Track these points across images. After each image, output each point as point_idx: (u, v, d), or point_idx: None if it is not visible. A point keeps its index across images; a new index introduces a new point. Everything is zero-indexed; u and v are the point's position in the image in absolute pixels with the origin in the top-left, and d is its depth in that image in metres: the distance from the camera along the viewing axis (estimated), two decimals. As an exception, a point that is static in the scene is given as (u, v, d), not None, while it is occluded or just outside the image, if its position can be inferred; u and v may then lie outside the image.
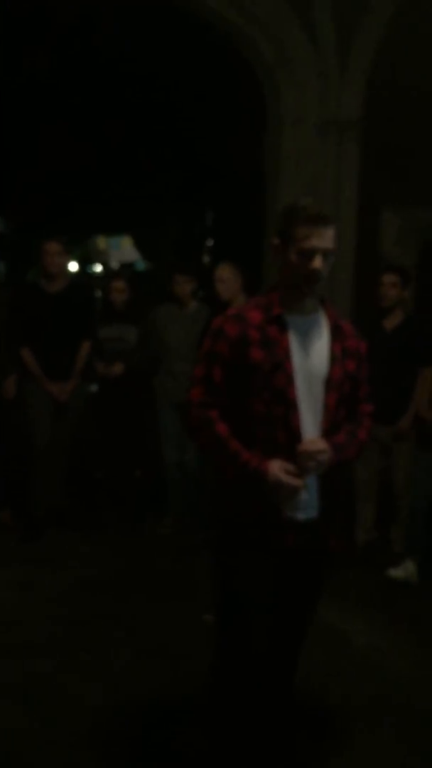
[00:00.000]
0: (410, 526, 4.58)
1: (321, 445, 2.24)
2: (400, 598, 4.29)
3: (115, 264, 8.32)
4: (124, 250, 8.45)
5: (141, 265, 8.61)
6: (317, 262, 2.24)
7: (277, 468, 2.21)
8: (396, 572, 4.44)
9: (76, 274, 12.75)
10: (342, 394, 2.35)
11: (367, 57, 6.88)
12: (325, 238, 2.24)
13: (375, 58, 6.85)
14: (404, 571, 4.44)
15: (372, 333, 4.57)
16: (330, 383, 2.32)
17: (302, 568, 2.41)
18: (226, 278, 4.61)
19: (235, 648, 2.38)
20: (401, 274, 4.68)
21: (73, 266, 13.02)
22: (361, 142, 7.10)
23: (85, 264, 10.61)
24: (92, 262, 8.86)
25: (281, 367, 2.26)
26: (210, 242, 17.78)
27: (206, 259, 17.42)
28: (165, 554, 4.74)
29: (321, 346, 2.34)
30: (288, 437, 2.27)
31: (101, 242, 8.57)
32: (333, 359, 2.33)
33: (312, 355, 2.32)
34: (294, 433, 2.27)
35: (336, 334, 2.37)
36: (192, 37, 8.36)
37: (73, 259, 11.78)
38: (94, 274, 8.61)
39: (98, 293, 5.86)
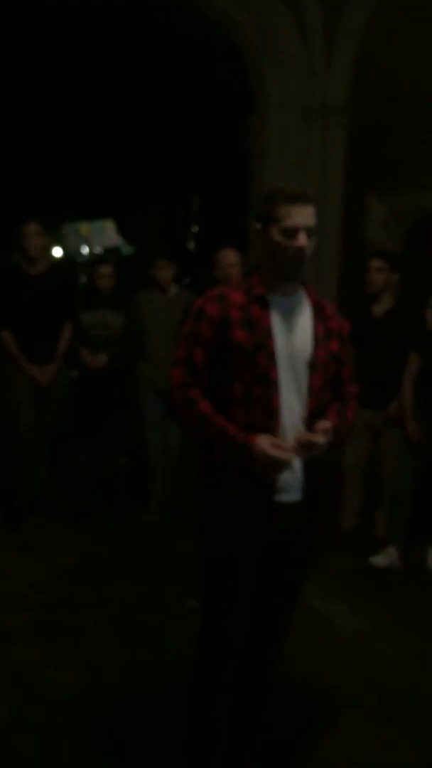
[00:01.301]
0: (392, 512, 4.58)
1: (321, 437, 2.21)
2: (383, 583, 4.30)
3: (98, 249, 8.24)
4: (106, 234, 8.36)
5: (127, 249, 8.53)
6: (302, 239, 2.23)
7: (265, 442, 2.18)
8: (378, 559, 4.44)
9: (61, 260, 12.64)
10: (327, 376, 2.34)
11: (353, 43, 6.86)
12: (306, 216, 2.24)
13: (361, 44, 6.83)
14: (386, 557, 4.45)
15: (361, 318, 4.58)
16: (314, 365, 2.30)
17: (287, 551, 2.40)
18: (236, 262, 4.52)
19: (219, 632, 2.37)
20: (388, 259, 4.66)
21: (57, 252, 12.91)
22: (347, 127, 7.08)
23: (69, 250, 10.53)
24: (76, 247, 8.79)
25: (263, 347, 2.24)
26: (195, 228, 17.71)
27: (191, 245, 17.36)
28: (148, 541, 4.73)
29: (304, 327, 2.33)
30: (267, 419, 2.25)
31: (84, 228, 8.48)
32: (316, 340, 2.32)
33: (295, 335, 2.30)
34: (274, 415, 2.25)
35: (318, 314, 2.36)
36: (178, 22, 8.28)
37: (57, 244, 11.69)
38: (80, 258, 8.52)
39: (82, 278, 5.79)
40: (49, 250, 5.24)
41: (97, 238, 8.47)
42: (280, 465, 2.20)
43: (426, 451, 4.46)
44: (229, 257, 4.52)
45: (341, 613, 3.88)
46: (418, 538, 4.62)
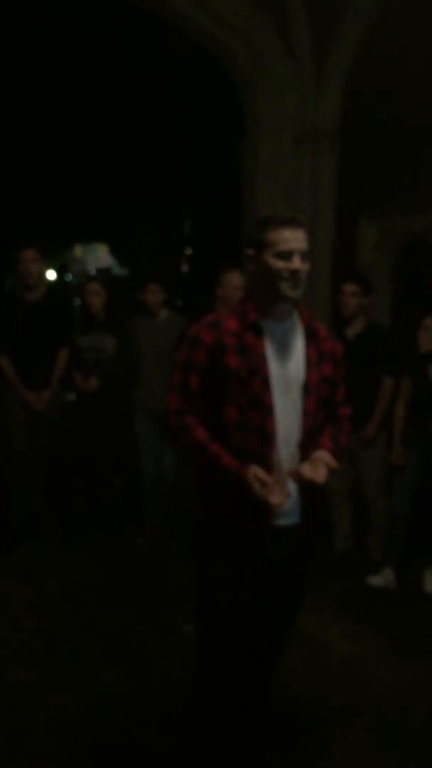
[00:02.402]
0: (389, 534, 4.59)
1: (322, 475, 2.23)
2: (378, 606, 4.29)
3: (91, 269, 8.35)
4: (99, 256, 8.49)
5: (117, 270, 8.65)
6: (297, 262, 2.26)
7: (256, 485, 2.19)
8: (375, 580, 4.44)
9: (53, 282, 12.72)
10: (320, 398, 2.38)
11: (344, 68, 6.96)
12: (298, 240, 2.29)
13: (351, 68, 6.93)
14: (383, 579, 4.45)
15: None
16: (308, 388, 2.33)
17: (283, 574, 2.42)
18: (240, 285, 4.52)
19: (217, 656, 2.38)
20: (361, 283, 4.70)
21: (50, 275, 13.00)
22: (338, 152, 7.17)
23: (62, 273, 10.64)
24: (69, 270, 8.91)
25: (257, 372, 2.27)
26: (188, 251, 17.83)
27: (185, 267, 17.46)
28: (143, 565, 4.72)
29: (297, 351, 2.36)
30: (263, 443, 2.27)
31: (78, 250, 8.61)
32: (309, 364, 2.35)
33: (288, 360, 2.33)
34: (269, 439, 2.28)
35: (311, 337, 2.39)
36: (170, 49, 8.40)
37: (51, 267, 11.78)
38: (72, 281, 8.63)
39: (77, 301, 5.83)
40: (44, 275, 5.28)
41: (90, 260, 8.59)
42: (272, 504, 2.20)
43: (419, 474, 4.49)
44: (234, 279, 4.52)
45: (336, 636, 3.88)
46: (415, 560, 4.61)
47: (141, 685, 3.29)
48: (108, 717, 3.07)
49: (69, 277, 8.71)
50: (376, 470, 4.70)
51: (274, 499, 2.19)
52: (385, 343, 4.68)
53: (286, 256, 2.27)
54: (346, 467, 4.72)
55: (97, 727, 3.00)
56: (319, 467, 2.24)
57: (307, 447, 2.32)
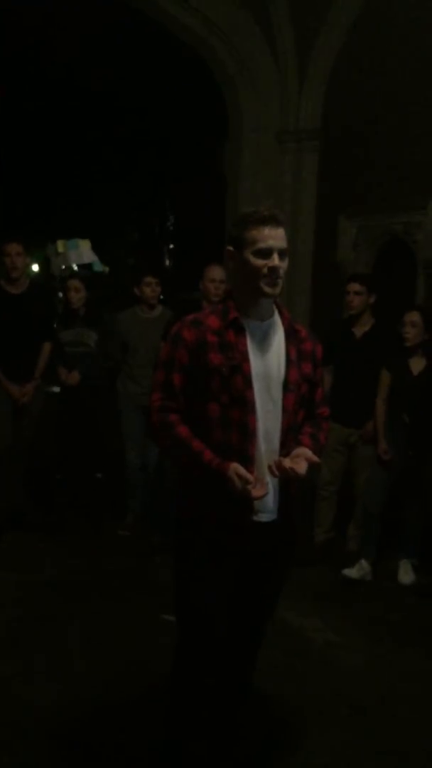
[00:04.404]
0: (365, 527, 4.69)
1: (303, 467, 2.27)
2: (354, 596, 4.39)
3: (73, 265, 8.40)
4: (82, 252, 8.52)
5: (98, 266, 8.70)
6: (276, 260, 2.29)
7: (237, 482, 2.23)
8: (350, 572, 4.54)
9: (37, 275, 12.70)
10: (300, 396, 2.41)
11: (326, 69, 7.04)
12: (278, 238, 2.30)
13: (333, 69, 7.00)
14: (359, 570, 4.55)
15: (342, 340, 4.71)
16: (288, 386, 2.36)
17: (262, 568, 2.47)
18: (221, 278, 4.61)
19: (195, 647, 2.43)
20: (365, 282, 4.78)
21: (34, 267, 12.98)
22: (319, 151, 7.25)
23: (46, 267, 10.65)
24: (51, 265, 8.95)
25: (239, 370, 2.30)
26: (170, 246, 17.85)
27: (168, 262, 17.48)
28: (124, 556, 4.77)
29: (278, 350, 2.39)
30: (244, 440, 2.31)
31: (60, 245, 8.64)
32: (289, 362, 2.38)
33: (269, 358, 2.36)
34: (250, 436, 2.31)
35: (291, 337, 2.42)
36: (153, 47, 8.43)
37: (35, 262, 11.77)
38: (55, 275, 8.68)
39: (60, 295, 5.89)
40: (29, 269, 5.33)
41: (72, 255, 8.62)
42: (254, 497, 2.25)
43: (397, 467, 4.59)
44: (217, 273, 4.63)
45: (314, 626, 3.96)
46: (390, 551, 4.71)
47: (119, 675, 3.33)
48: (85, 708, 3.10)
49: (52, 270, 8.76)
50: (370, 465, 4.79)
51: (255, 492, 2.23)
52: (389, 341, 4.69)
53: (265, 253, 2.28)
54: (340, 459, 4.81)
55: (73, 718, 3.03)
56: (300, 461, 2.28)
57: (287, 444, 2.36)
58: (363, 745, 2.97)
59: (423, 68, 5.82)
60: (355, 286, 4.73)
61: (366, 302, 4.72)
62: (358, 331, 4.77)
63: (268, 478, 2.32)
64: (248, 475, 2.24)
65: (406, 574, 4.59)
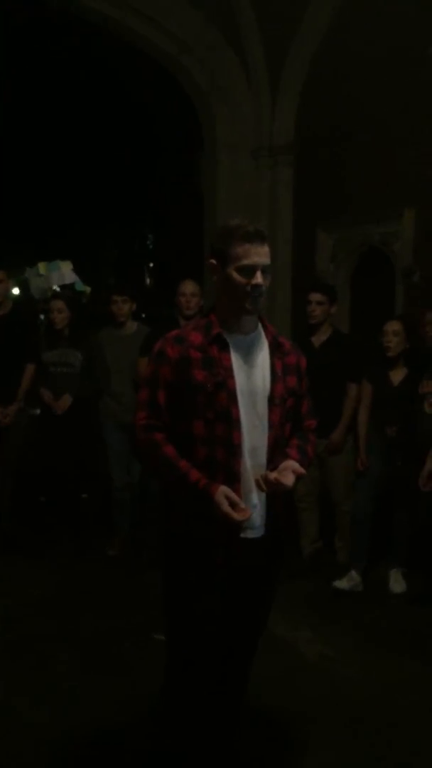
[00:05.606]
0: (353, 537, 4.69)
1: (290, 479, 2.26)
2: (346, 607, 4.38)
3: (55, 286, 8.41)
4: (63, 273, 8.54)
5: (80, 286, 8.73)
6: (258, 278, 2.28)
7: (224, 503, 2.22)
8: (341, 583, 4.53)
9: (19, 298, 12.65)
10: (285, 410, 2.40)
11: (298, 83, 7.13)
12: (262, 255, 2.29)
13: (305, 83, 7.09)
14: (349, 581, 4.54)
15: (302, 350, 4.72)
16: (273, 400, 2.35)
17: (251, 583, 2.45)
18: (195, 292, 4.71)
19: (186, 664, 2.41)
20: (327, 292, 4.80)
21: (15, 291, 12.94)
22: (294, 165, 7.32)
23: (26, 289, 10.66)
24: (30, 287, 8.96)
25: (224, 386, 2.29)
26: (150, 264, 17.90)
27: (148, 280, 17.53)
28: (113, 574, 4.75)
29: (262, 364, 2.38)
30: (229, 456, 2.30)
31: (41, 267, 8.65)
32: (274, 376, 2.37)
33: (254, 373, 2.35)
34: (235, 452, 2.30)
35: (275, 350, 2.41)
36: (128, 65, 8.49)
37: (15, 285, 11.73)
38: (36, 297, 8.68)
39: (42, 317, 5.89)
40: (9, 292, 5.35)
41: (53, 277, 8.63)
42: (238, 522, 2.24)
43: (383, 476, 4.60)
44: (188, 287, 4.71)
45: (305, 638, 3.95)
46: (380, 561, 4.71)
47: (109, 695, 3.30)
48: (76, 728, 3.06)
49: (33, 293, 8.77)
50: (343, 475, 4.79)
51: (236, 516, 2.21)
52: (350, 350, 4.78)
53: (249, 271, 2.27)
54: (313, 472, 4.81)
55: (64, 739, 3.00)
56: (287, 474, 2.26)
57: (274, 459, 2.35)
58: (362, 757, 2.95)
59: (394, 79, 5.90)
60: (316, 296, 4.73)
61: (327, 312, 4.74)
62: (317, 340, 4.76)
63: (255, 495, 2.32)
64: (237, 498, 2.23)
65: (396, 583, 4.59)
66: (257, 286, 2.28)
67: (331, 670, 3.64)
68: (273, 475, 2.24)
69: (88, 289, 9.09)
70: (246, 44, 7.11)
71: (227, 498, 2.22)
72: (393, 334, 4.49)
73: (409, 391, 4.47)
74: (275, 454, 2.35)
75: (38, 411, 5.28)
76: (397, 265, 6.11)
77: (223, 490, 2.23)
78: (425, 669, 3.65)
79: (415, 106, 5.70)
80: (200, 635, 2.37)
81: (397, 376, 4.57)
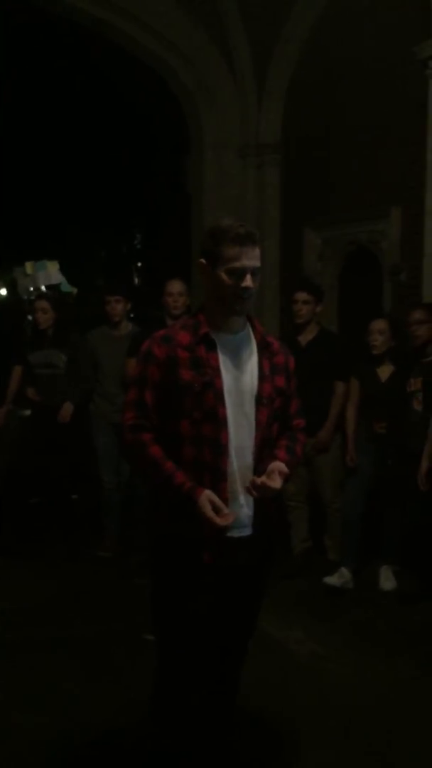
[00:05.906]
0: (343, 535, 4.70)
1: (277, 482, 2.25)
2: (337, 605, 4.39)
3: (41, 286, 8.41)
4: (50, 273, 8.54)
5: (66, 287, 8.74)
6: (248, 281, 2.27)
7: (207, 507, 2.20)
8: (331, 580, 4.53)
9: (6, 299, 12.63)
10: (273, 410, 2.39)
11: (284, 83, 7.15)
12: (252, 257, 2.28)
13: (291, 83, 7.11)
14: (339, 578, 4.55)
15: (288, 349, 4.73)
16: (261, 400, 2.34)
17: (240, 583, 2.44)
18: (181, 291, 4.70)
19: (176, 665, 2.40)
20: (313, 291, 4.81)
21: (2, 292, 12.92)
22: (281, 165, 7.34)
23: (14, 289, 10.65)
24: (17, 287, 8.96)
25: (211, 386, 2.28)
26: (139, 264, 17.88)
27: (136, 280, 17.50)
28: (105, 576, 4.74)
29: (250, 364, 2.37)
30: (217, 456, 2.29)
31: (28, 267, 8.65)
32: (262, 376, 2.36)
33: (242, 372, 2.35)
34: (223, 452, 2.29)
35: (264, 350, 2.41)
36: (116, 66, 8.48)
37: (3, 285, 11.73)
38: (23, 298, 8.68)
39: (29, 318, 5.88)
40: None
41: (40, 277, 8.62)
42: (221, 527, 2.23)
43: (372, 474, 4.61)
44: (175, 286, 4.71)
45: (296, 637, 3.95)
46: (370, 559, 4.72)
47: (105, 698, 3.30)
48: (73, 733, 3.05)
49: (21, 293, 8.77)
50: (332, 473, 4.80)
51: (219, 521, 2.20)
52: (337, 349, 4.79)
53: (239, 274, 2.26)
54: (302, 471, 4.82)
55: (62, 743, 2.98)
56: (274, 476, 2.25)
57: (262, 459, 2.34)
58: (356, 757, 2.95)
59: (380, 78, 5.92)
60: (302, 295, 4.73)
61: (313, 311, 4.74)
62: (303, 339, 4.77)
63: (242, 494, 2.32)
64: (221, 503, 2.22)
65: (387, 581, 4.61)
66: (246, 288, 2.27)
67: (324, 668, 3.65)
68: (260, 480, 2.24)
69: (74, 289, 9.09)
70: (232, 45, 7.12)
71: (211, 502, 2.21)
72: (379, 332, 4.51)
73: (396, 388, 4.49)
74: (263, 453, 2.35)
75: (28, 412, 5.26)
76: (385, 264, 6.14)
77: (207, 495, 2.22)
78: (418, 667, 3.66)
79: (400, 105, 5.72)
80: (189, 636, 2.36)
81: (385, 373, 4.59)
